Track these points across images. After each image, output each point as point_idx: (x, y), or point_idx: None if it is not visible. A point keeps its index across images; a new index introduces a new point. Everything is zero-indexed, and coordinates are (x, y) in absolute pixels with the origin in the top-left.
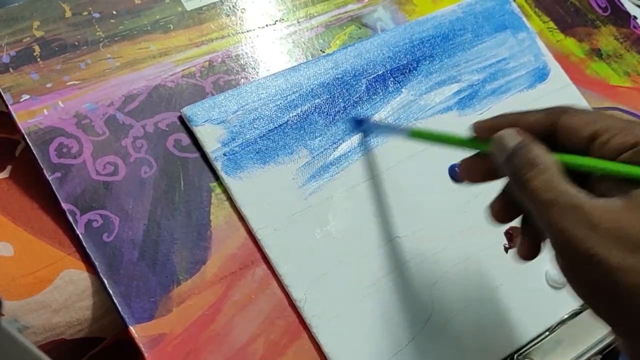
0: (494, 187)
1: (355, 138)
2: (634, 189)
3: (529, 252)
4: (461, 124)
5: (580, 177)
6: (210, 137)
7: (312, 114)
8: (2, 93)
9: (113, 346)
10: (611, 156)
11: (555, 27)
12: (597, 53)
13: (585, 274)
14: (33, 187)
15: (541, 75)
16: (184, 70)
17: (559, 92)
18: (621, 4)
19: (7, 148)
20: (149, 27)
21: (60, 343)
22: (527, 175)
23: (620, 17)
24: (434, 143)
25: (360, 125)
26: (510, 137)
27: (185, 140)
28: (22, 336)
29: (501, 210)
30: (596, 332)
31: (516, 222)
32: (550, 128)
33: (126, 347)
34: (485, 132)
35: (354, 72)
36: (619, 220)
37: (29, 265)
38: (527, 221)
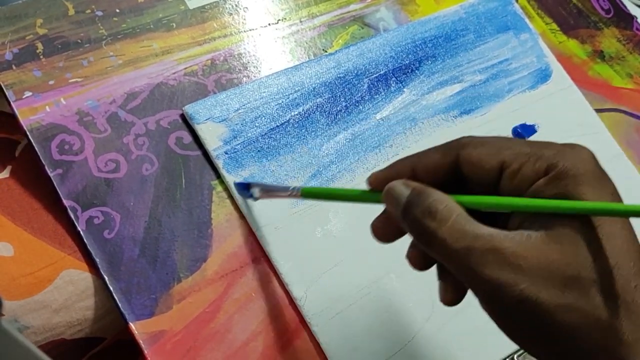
0: None
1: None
2: (554, 220)
3: (453, 297)
4: (462, 125)
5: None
6: (212, 135)
7: (314, 113)
8: (4, 90)
9: (113, 346)
10: (524, 186)
11: (558, 28)
12: (599, 55)
13: (517, 319)
14: (33, 187)
15: (543, 76)
16: (186, 68)
17: (561, 93)
18: (624, 5)
19: (7, 148)
20: (151, 26)
21: (60, 343)
22: (431, 227)
23: (623, 18)
24: (328, 199)
25: (248, 190)
26: (401, 187)
27: (187, 138)
28: (22, 336)
29: (419, 257)
30: None
31: None
32: (452, 166)
33: (126, 347)
34: (381, 183)
35: (356, 72)
36: (544, 257)
37: (29, 265)
38: (443, 269)
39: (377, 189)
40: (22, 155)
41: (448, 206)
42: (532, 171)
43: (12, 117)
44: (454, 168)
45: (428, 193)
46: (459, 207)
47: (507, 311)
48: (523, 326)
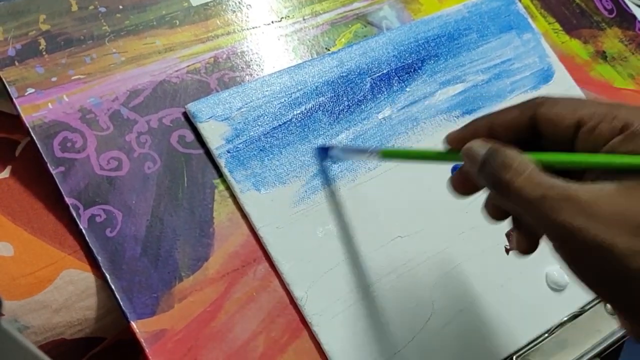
0: None
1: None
2: (628, 175)
3: (528, 246)
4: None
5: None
6: (214, 134)
7: (317, 112)
8: (7, 86)
9: (113, 346)
10: (599, 143)
11: (561, 28)
12: (601, 55)
13: (591, 263)
14: (33, 186)
15: (545, 76)
16: (189, 66)
17: (563, 93)
18: (627, 6)
19: (7, 148)
20: (154, 23)
21: (60, 343)
22: (507, 178)
23: (626, 19)
24: (407, 160)
25: (327, 153)
26: (479, 147)
27: (189, 136)
28: (22, 336)
29: (496, 208)
30: (595, 334)
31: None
32: (529, 123)
33: (126, 347)
34: (459, 142)
35: (358, 71)
36: (618, 204)
37: (29, 265)
38: (518, 221)
39: (455, 148)
40: (22, 155)
41: (523, 161)
42: (608, 129)
43: (12, 117)
44: (530, 126)
45: (504, 150)
46: (533, 163)
47: (581, 256)
48: (596, 270)
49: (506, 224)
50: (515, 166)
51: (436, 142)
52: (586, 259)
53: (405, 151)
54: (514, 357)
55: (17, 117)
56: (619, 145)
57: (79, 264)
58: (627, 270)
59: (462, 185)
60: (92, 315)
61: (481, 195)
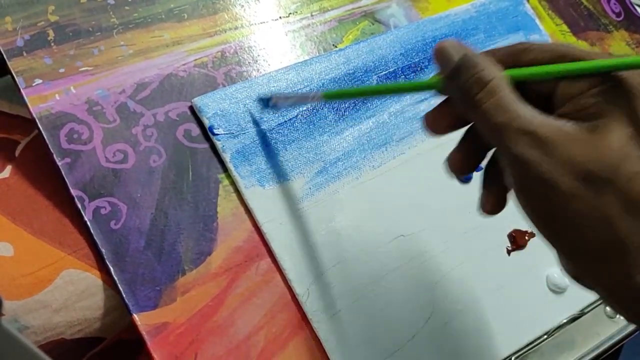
0: None
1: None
2: (595, 120)
3: (493, 207)
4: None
5: (543, 104)
6: (220, 129)
7: (322, 109)
8: (15, 76)
9: (113, 346)
10: (582, 90)
11: (568, 30)
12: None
13: (535, 195)
14: (33, 187)
15: None
16: (196, 60)
17: None
18: (635, 9)
19: (7, 148)
20: (163, 16)
21: (60, 343)
22: (478, 97)
23: (634, 22)
24: (351, 98)
25: (269, 102)
26: (454, 48)
27: (195, 130)
28: (22, 336)
29: (459, 162)
30: (594, 337)
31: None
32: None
33: (126, 347)
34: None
35: (365, 68)
36: (575, 147)
37: (29, 265)
38: (488, 174)
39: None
40: (22, 155)
41: (497, 80)
42: (589, 80)
43: (12, 117)
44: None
45: (480, 61)
46: (508, 84)
47: (529, 188)
48: (539, 204)
49: (507, 226)
50: (489, 84)
51: (441, 141)
52: (533, 192)
53: (350, 90)
54: (513, 358)
55: (17, 117)
56: (597, 94)
57: (79, 264)
58: (566, 211)
59: (438, 122)
60: (92, 315)
61: None
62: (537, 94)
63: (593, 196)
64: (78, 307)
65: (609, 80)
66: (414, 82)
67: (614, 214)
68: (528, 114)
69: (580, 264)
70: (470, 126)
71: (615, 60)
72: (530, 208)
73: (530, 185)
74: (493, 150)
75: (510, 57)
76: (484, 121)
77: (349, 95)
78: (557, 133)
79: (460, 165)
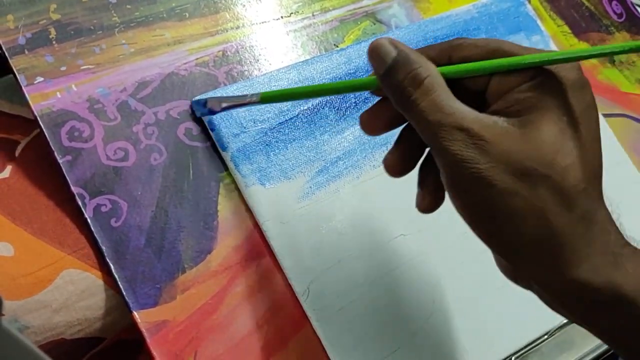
0: None
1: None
2: (527, 114)
3: (430, 205)
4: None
5: (477, 101)
6: (221, 127)
7: (323, 108)
8: (16, 74)
9: (113, 346)
10: (512, 86)
11: (570, 31)
12: (609, 59)
13: (470, 195)
14: (33, 187)
15: None
16: (197, 59)
17: None
18: (637, 10)
19: (7, 148)
20: (164, 15)
21: (60, 343)
22: (413, 96)
23: (635, 23)
24: (289, 100)
25: (205, 105)
26: (388, 46)
27: (196, 129)
28: (22, 336)
29: (396, 163)
30: (594, 338)
31: None
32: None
33: (126, 347)
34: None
35: (366, 68)
36: (509, 144)
37: (29, 265)
38: (424, 172)
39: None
40: (22, 155)
41: (432, 77)
42: (520, 75)
43: (12, 117)
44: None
45: (415, 59)
46: (442, 81)
47: (464, 187)
48: (474, 203)
49: None
50: (425, 82)
51: None
52: (469, 191)
53: (288, 91)
54: (513, 358)
55: (17, 117)
56: (527, 90)
57: (79, 264)
58: (502, 208)
59: (373, 122)
60: (92, 315)
61: None
62: (471, 91)
63: (528, 191)
64: (78, 307)
65: (539, 75)
66: (350, 81)
67: (550, 208)
68: (462, 112)
69: (517, 262)
70: (406, 126)
71: (546, 55)
72: (465, 208)
73: (465, 184)
74: (428, 149)
75: (443, 54)
76: (419, 120)
77: (287, 96)
78: (491, 130)
79: (398, 166)
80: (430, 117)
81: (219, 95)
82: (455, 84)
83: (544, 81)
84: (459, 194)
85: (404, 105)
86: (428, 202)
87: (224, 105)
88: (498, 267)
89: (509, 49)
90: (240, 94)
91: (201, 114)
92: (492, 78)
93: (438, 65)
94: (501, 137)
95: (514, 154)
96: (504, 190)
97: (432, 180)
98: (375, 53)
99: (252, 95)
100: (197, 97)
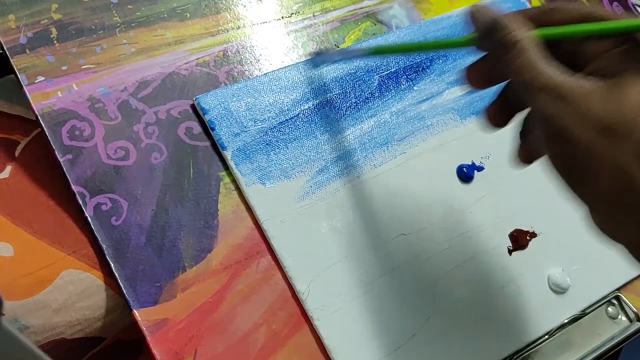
0: (502, 190)
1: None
2: (616, 77)
3: (527, 156)
4: (471, 125)
5: (573, 62)
6: (222, 127)
7: (324, 108)
8: (17, 73)
9: (113, 346)
10: (605, 49)
11: None
12: None
13: (559, 149)
14: (33, 187)
15: None
16: (198, 59)
17: None
18: (637, 11)
19: (7, 148)
20: (165, 15)
21: (60, 343)
22: (508, 56)
23: None
24: (401, 53)
25: (319, 57)
26: (487, 10)
27: (197, 128)
28: (22, 336)
29: (497, 113)
30: (596, 337)
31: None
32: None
33: (126, 347)
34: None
35: (367, 68)
36: (594, 103)
37: (29, 265)
38: (525, 125)
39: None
40: (22, 155)
41: (525, 39)
42: (612, 40)
43: (12, 117)
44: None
45: (509, 23)
46: (534, 44)
47: (553, 141)
48: (563, 156)
49: (508, 226)
50: (520, 42)
51: (443, 141)
52: (557, 145)
53: (398, 46)
54: (514, 358)
55: (17, 117)
56: (619, 54)
57: (79, 264)
58: (587, 162)
59: (477, 76)
60: (92, 315)
61: (485, 197)
62: (568, 52)
63: (610, 148)
64: (78, 307)
65: (630, 41)
66: (452, 39)
67: (631, 164)
68: (552, 72)
69: (605, 213)
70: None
71: (638, 21)
72: (556, 160)
73: (554, 138)
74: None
75: (541, 16)
76: (514, 76)
77: (395, 49)
78: (578, 89)
79: (497, 116)
80: (522, 76)
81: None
82: (554, 45)
83: (635, 46)
84: (550, 146)
85: (500, 63)
86: (527, 153)
87: (337, 56)
88: (590, 219)
89: (602, 13)
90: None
91: (314, 65)
92: (585, 41)
93: (536, 26)
94: (587, 96)
95: (598, 112)
96: (587, 145)
97: (532, 137)
98: (474, 15)
99: (363, 49)
100: (314, 50)
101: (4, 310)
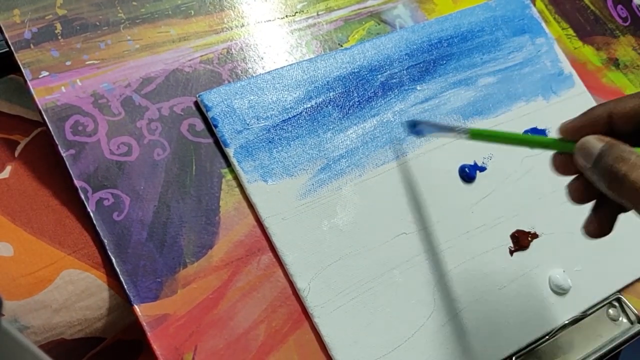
0: (504, 190)
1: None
2: None
3: (597, 231)
4: (473, 125)
5: None
6: (224, 124)
7: (327, 106)
8: (22, 68)
9: (113, 346)
10: None
11: (574, 34)
12: (614, 62)
13: None
14: (33, 187)
15: (557, 81)
16: (202, 56)
17: (574, 99)
18: None
19: (7, 148)
20: (170, 12)
21: (60, 343)
22: (623, 171)
23: None
24: (499, 142)
25: (415, 127)
26: (594, 141)
27: (200, 125)
28: (22, 336)
29: (579, 190)
30: (597, 339)
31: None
32: None
33: (126, 347)
34: (575, 132)
35: (370, 68)
36: None
37: (29, 265)
38: (602, 203)
39: (569, 138)
40: (22, 155)
41: (636, 155)
42: None
43: (12, 117)
44: None
45: (620, 145)
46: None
47: None
48: None
49: (509, 227)
50: (632, 159)
51: (444, 141)
52: None
53: (496, 133)
54: (514, 358)
55: (17, 117)
56: None
57: (79, 264)
58: None
59: (564, 167)
60: (92, 315)
61: (487, 197)
62: None
63: None
64: (78, 307)
65: None
66: (557, 142)
67: None
68: None
69: None
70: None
71: None
72: None
73: None
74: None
75: (629, 120)
76: (633, 192)
77: (494, 137)
78: None
79: (598, 231)
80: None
81: (429, 121)
82: None
83: None
84: None
85: (615, 183)
86: (597, 228)
87: (435, 129)
88: None
89: None
90: (448, 125)
91: (409, 134)
92: None
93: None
94: None
95: None
96: None
97: (609, 212)
98: (582, 149)
99: (461, 129)
100: (409, 119)
101: (4, 310)
